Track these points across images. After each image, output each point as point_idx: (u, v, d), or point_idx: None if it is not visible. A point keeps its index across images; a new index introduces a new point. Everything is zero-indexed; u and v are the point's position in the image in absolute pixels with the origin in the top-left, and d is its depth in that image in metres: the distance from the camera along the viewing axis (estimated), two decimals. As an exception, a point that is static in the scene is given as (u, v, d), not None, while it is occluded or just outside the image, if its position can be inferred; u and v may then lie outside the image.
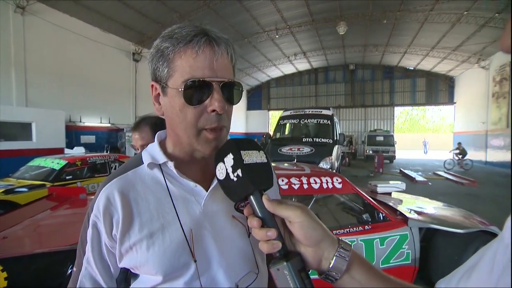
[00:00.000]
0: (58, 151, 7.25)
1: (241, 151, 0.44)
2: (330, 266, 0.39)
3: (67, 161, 4.64)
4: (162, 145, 0.58)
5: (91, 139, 10.92)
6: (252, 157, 0.44)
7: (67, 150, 7.68)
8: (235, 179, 0.42)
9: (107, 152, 9.79)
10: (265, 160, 0.46)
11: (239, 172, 0.42)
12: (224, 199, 0.46)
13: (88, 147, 9.22)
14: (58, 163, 4.58)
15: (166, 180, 0.54)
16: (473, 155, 15.28)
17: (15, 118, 7.06)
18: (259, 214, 0.42)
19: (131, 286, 0.57)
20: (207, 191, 0.55)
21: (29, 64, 8.76)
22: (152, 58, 0.52)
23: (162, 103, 0.54)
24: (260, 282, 0.58)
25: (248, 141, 0.47)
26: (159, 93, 0.54)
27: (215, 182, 0.55)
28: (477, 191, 7.51)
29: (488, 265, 0.32)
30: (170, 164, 0.54)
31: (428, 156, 20.75)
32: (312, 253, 0.40)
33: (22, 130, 7.21)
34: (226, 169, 0.44)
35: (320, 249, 0.40)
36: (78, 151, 7.22)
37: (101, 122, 11.45)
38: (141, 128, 1.37)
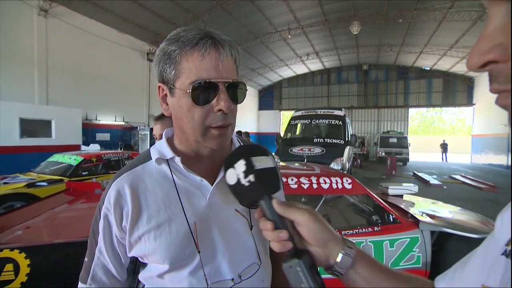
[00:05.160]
0: (75, 148, 7.54)
1: (252, 157, 0.45)
2: (336, 263, 0.42)
3: (83, 158, 4.82)
4: (170, 142, 0.61)
5: (106, 136, 11.24)
6: (262, 162, 0.46)
7: (83, 147, 7.96)
8: (246, 184, 0.44)
9: (121, 149, 10.09)
10: (273, 165, 0.48)
11: (251, 177, 0.44)
12: (228, 193, 0.48)
13: (103, 144, 9.53)
14: (75, 159, 4.77)
15: (173, 175, 0.57)
16: (493, 159, 14.69)
17: (36, 115, 7.37)
18: (270, 217, 0.44)
19: (139, 274, 0.60)
20: (212, 186, 0.57)
21: (51, 64, 9.15)
22: (159, 61, 0.54)
23: (170, 103, 0.57)
24: (262, 273, 0.60)
25: (257, 147, 0.50)
26: (166, 94, 0.56)
27: (220, 176, 0.57)
28: (497, 196, 7.19)
29: (481, 259, 0.34)
30: (177, 159, 0.56)
31: (441, 158, 19.57)
32: (320, 252, 0.43)
33: (43, 127, 7.52)
34: (237, 175, 0.45)
35: (327, 248, 0.43)
36: (94, 148, 7.49)
37: (115, 120, 11.78)
38: (163, 120, 1.53)
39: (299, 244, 0.44)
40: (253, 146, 0.50)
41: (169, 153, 0.57)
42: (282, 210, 0.43)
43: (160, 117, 1.55)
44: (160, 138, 0.65)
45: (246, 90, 0.58)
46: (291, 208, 0.44)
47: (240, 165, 0.45)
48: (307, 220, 0.42)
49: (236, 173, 0.45)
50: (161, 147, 0.59)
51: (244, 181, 0.44)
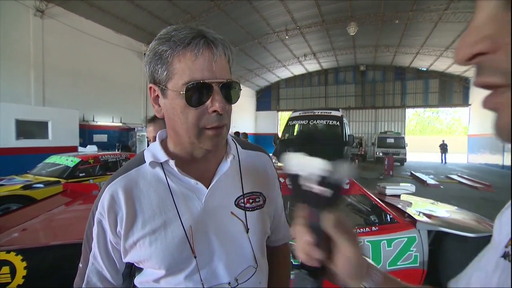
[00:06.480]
0: (72, 149, 7.47)
1: (340, 166, 0.38)
2: None
3: (80, 159, 4.79)
4: (164, 144, 0.59)
5: (103, 138, 11.17)
6: (344, 181, 0.39)
7: (80, 148, 7.90)
8: (316, 191, 0.38)
9: (118, 150, 10.02)
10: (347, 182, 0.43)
11: (328, 192, 0.37)
12: (224, 196, 0.47)
13: (100, 145, 9.47)
14: (72, 161, 4.74)
15: (168, 178, 0.56)
16: (489, 158, 14.81)
17: (33, 116, 7.30)
18: (315, 231, 0.38)
19: (135, 279, 0.59)
20: (207, 189, 0.56)
21: (47, 64, 9.08)
22: (150, 61, 0.52)
23: (162, 104, 0.55)
24: (258, 276, 0.60)
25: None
26: (158, 95, 0.55)
27: (215, 179, 0.56)
28: (493, 196, 7.25)
29: (486, 264, 0.33)
30: (171, 163, 0.55)
31: (440, 158, 19.61)
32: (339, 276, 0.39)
33: (39, 128, 7.45)
34: (311, 174, 0.39)
35: (349, 279, 0.39)
36: (91, 149, 7.44)
37: (113, 122, 11.72)
38: (156, 121, 1.51)
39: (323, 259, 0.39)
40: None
41: (163, 156, 0.56)
42: (333, 231, 0.37)
43: (153, 119, 1.53)
44: (154, 140, 0.64)
45: (240, 89, 0.57)
46: (344, 234, 0.37)
47: (320, 165, 0.37)
48: (350, 252, 0.36)
49: (312, 170, 0.38)
50: (155, 150, 0.58)
51: (316, 188, 0.37)
